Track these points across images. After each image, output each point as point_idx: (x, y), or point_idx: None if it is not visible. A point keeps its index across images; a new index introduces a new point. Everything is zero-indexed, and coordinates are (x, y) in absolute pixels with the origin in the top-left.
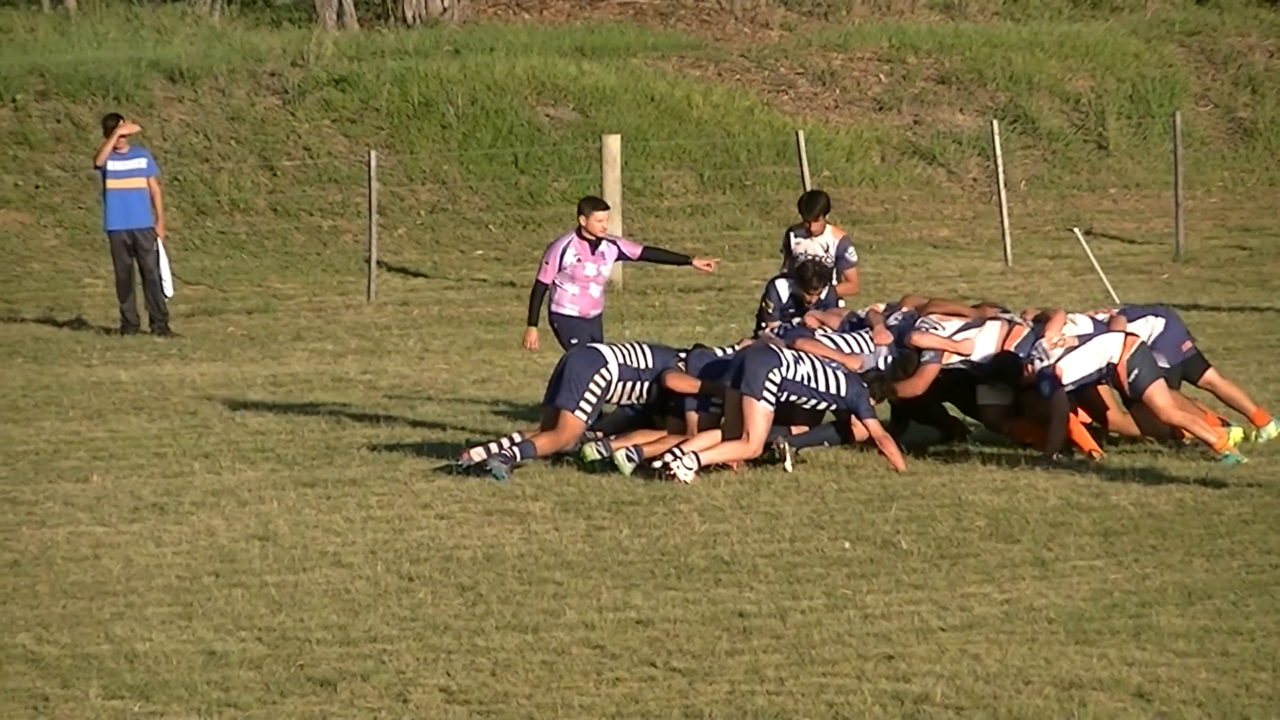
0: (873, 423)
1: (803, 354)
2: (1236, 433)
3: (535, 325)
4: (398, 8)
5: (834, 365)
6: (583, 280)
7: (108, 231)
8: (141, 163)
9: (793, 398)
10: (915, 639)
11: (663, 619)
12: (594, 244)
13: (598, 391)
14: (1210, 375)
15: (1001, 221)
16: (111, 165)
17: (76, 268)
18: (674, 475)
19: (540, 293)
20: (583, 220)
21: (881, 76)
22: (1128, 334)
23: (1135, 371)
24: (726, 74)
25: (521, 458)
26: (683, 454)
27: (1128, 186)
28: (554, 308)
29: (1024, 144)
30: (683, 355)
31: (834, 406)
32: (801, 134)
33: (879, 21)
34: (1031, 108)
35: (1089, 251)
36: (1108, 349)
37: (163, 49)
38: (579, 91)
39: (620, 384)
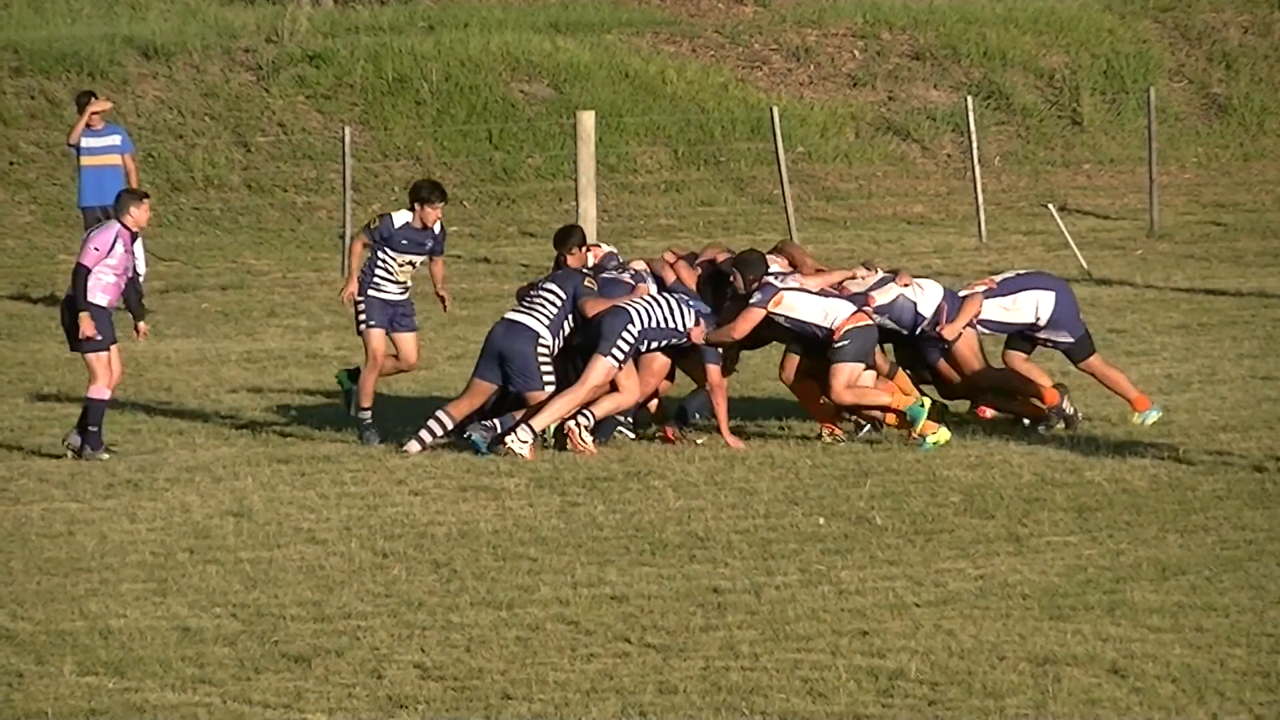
0: (714, 368)
1: (655, 298)
2: (944, 434)
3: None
4: None
5: (689, 302)
6: (121, 272)
7: (81, 208)
8: (116, 139)
9: (654, 344)
10: (890, 614)
11: (637, 595)
12: (134, 236)
13: (547, 361)
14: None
15: (976, 197)
16: (85, 142)
17: (50, 244)
18: (510, 450)
19: (85, 276)
20: (134, 211)
21: (856, 53)
22: (863, 311)
23: (845, 343)
24: (701, 50)
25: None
26: (519, 426)
27: (1102, 162)
28: (87, 296)
29: (998, 120)
30: (586, 272)
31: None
32: (776, 110)
33: None
34: (1006, 84)
35: (1063, 227)
36: (833, 311)
37: (137, 25)
38: (553, 67)
39: (554, 339)
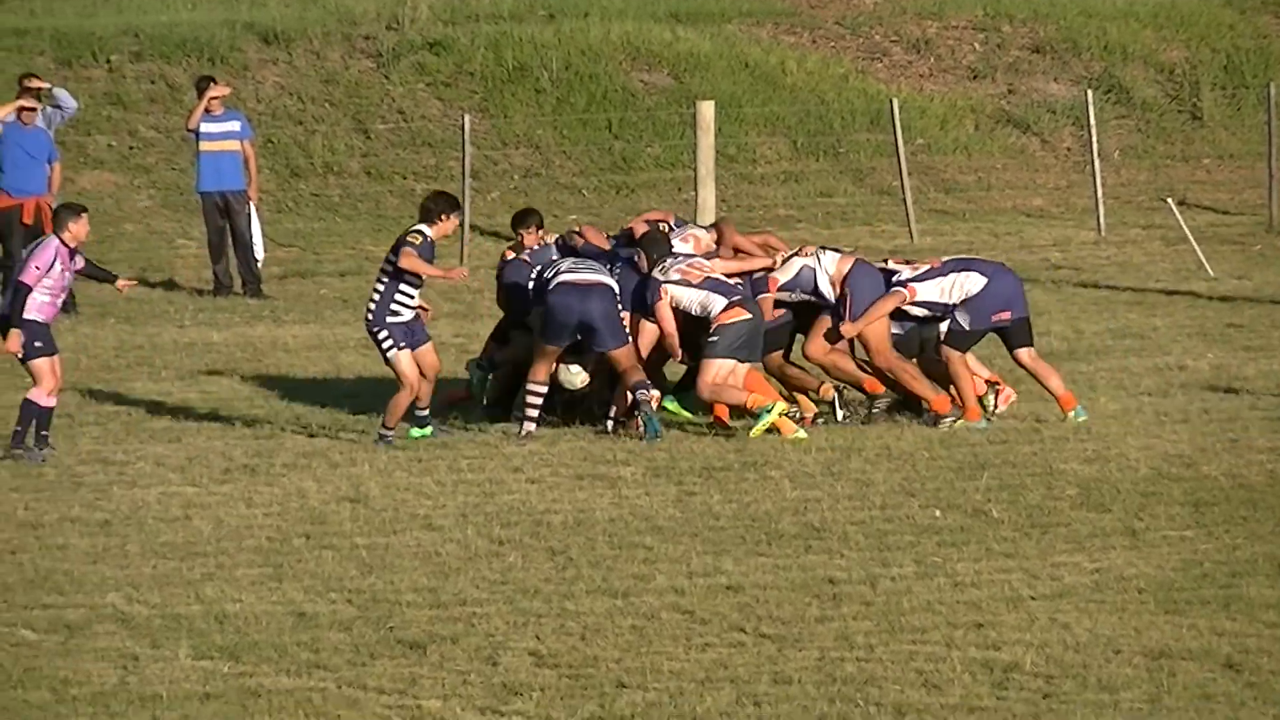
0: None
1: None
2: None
3: (19, 327)
4: None
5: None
6: (58, 290)
7: (200, 193)
8: (235, 125)
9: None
10: (1005, 607)
11: (753, 585)
12: (73, 252)
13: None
14: (1024, 353)
15: (1095, 191)
16: (204, 127)
17: (169, 229)
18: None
19: (25, 295)
20: (73, 226)
21: (976, 45)
22: (738, 306)
23: (714, 339)
24: (821, 41)
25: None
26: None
27: (1221, 157)
28: (24, 313)
29: (1118, 114)
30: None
31: None
32: (895, 102)
33: None
34: (1126, 78)
35: (1182, 222)
36: (710, 303)
37: (257, 11)
38: (673, 57)
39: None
